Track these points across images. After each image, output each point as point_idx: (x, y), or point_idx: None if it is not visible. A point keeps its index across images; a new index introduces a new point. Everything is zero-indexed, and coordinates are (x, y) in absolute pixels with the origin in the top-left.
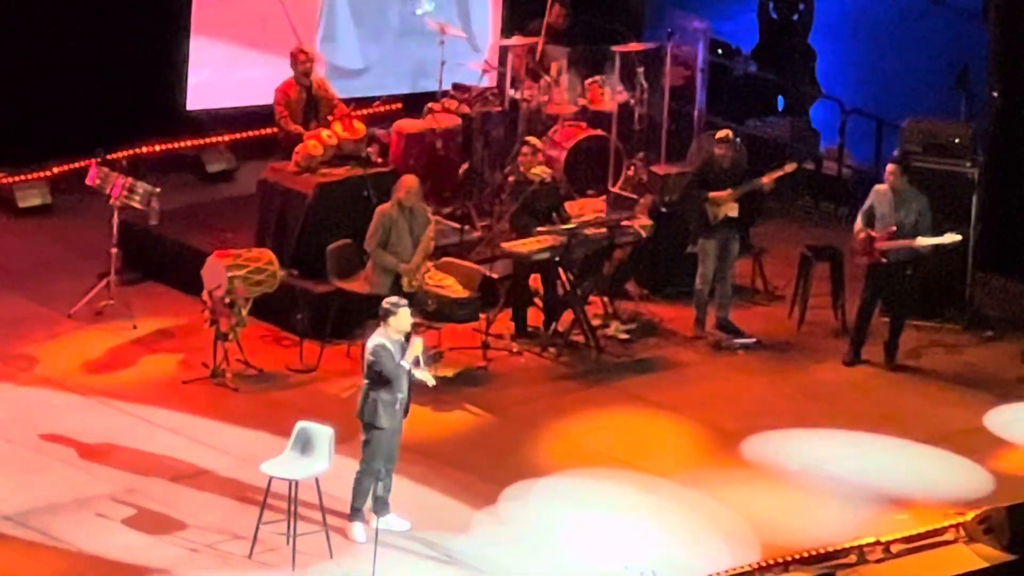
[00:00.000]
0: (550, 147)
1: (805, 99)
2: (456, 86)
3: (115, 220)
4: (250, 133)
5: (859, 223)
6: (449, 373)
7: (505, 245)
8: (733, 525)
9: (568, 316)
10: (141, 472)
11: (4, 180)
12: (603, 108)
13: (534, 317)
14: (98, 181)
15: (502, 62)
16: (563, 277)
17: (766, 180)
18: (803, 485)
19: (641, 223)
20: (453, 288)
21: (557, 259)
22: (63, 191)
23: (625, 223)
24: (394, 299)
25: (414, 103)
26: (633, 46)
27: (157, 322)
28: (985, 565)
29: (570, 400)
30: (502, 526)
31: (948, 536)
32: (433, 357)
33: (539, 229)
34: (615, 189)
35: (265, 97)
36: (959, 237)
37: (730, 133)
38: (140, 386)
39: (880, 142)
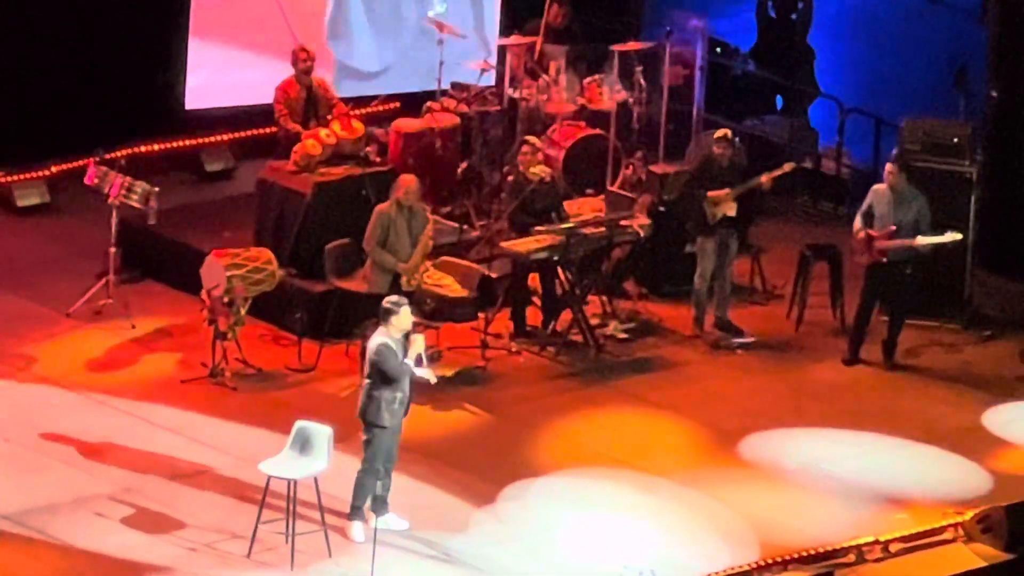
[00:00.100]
0: (549, 146)
1: (804, 98)
2: (455, 85)
3: (114, 219)
4: (249, 132)
5: (858, 223)
6: (448, 372)
7: (504, 244)
8: (732, 524)
9: (567, 315)
10: (140, 471)
11: (3, 179)
12: (602, 107)
13: (533, 316)
14: (97, 180)
15: (501, 61)
16: (562, 276)
17: (765, 179)
18: (802, 484)
19: (640, 222)
20: (452, 287)
21: (556, 258)
22: (62, 190)
23: (624, 222)
24: (395, 298)
25: (413, 102)
26: (632, 45)
27: (156, 321)
28: (983, 564)
29: (569, 399)
30: (501, 525)
31: (947, 535)
32: (432, 356)
33: (538, 228)
34: (614, 188)
35: (264, 96)
36: (960, 236)
37: (729, 132)
38: (139, 385)
39: (879, 141)
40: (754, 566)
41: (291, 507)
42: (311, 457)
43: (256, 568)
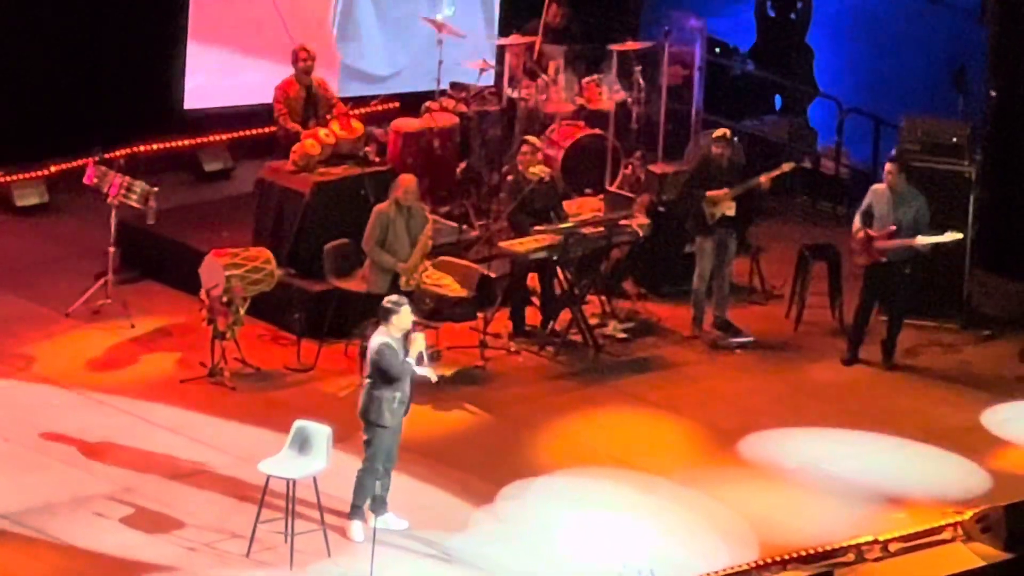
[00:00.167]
0: (547, 146)
1: (803, 98)
2: (454, 85)
3: (113, 219)
4: (247, 132)
5: (857, 222)
6: (447, 372)
7: (503, 244)
8: (731, 524)
9: (566, 315)
10: (139, 471)
11: (2, 179)
12: (600, 107)
13: (532, 316)
14: (96, 180)
15: (499, 61)
16: (561, 276)
17: (763, 179)
18: (801, 484)
19: (638, 222)
20: (451, 287)
21: (555, 258)
22: (61, 190)
23: (623, 222)
24: (395, 297)
25: (412, 102)
26: (630, 45)
27: (155, 321)
28: (982, 564)
29: (568, 399)
30: (500, 525)
31: (946, 535)
32: (431, 356)
33: (537, 228)
34: (612, 188)
35: (262, 96)
36: (960, 235)
37: (727, 132)
38: (138, 385)
39: (878, 141)
40: (753, 565)
41: (290, 506)
42: (310, 456)
43: (255, 567)
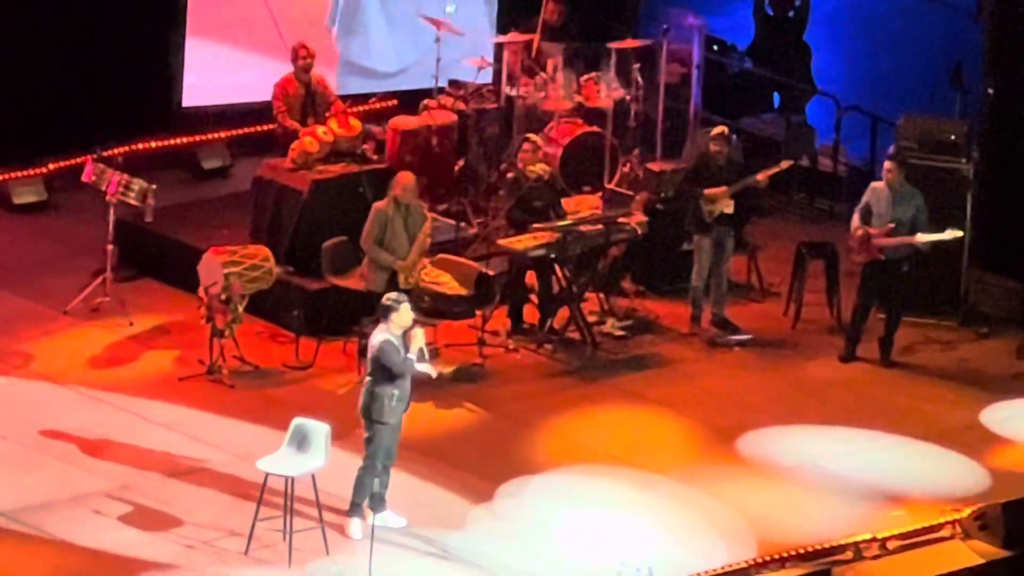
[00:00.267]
0: (546, 144)
1: (801, 96)
2: (452, 83)
3: (111, 217)
4: (246, 130)
5: (856, 221)
6: (445, 370)
7: (501, 242)
8: (729, 521)
9: (564, 313)
10: (137, 468)
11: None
12: (599, 105)
13: (530, 314)
14: (94, 178)
15: (498, 59)
16: (559, 274)
17: (761, 177)
18: (799, 481)
19: (637, 220)
20: (449, 285)
21: (553, 256)
22: (59, 188)
23: (621, 220)
24: (395, 295)
25: (410, 100)
26: (629, 43)
27: (153, 319)
28: (981, 561)
29: (566, 397)
30: (498, 522)
31: (944, 532)
32: (430, 353)
33: (535, 226)
34: (611, 186)
35: (260, 94)
36: (960, 233)
37: (725, 130)
38: (136, 382)
39: (875, 139)
40: (751, 563)
41: (289, 504)
42: (308, 454)
43: (254, 565)
